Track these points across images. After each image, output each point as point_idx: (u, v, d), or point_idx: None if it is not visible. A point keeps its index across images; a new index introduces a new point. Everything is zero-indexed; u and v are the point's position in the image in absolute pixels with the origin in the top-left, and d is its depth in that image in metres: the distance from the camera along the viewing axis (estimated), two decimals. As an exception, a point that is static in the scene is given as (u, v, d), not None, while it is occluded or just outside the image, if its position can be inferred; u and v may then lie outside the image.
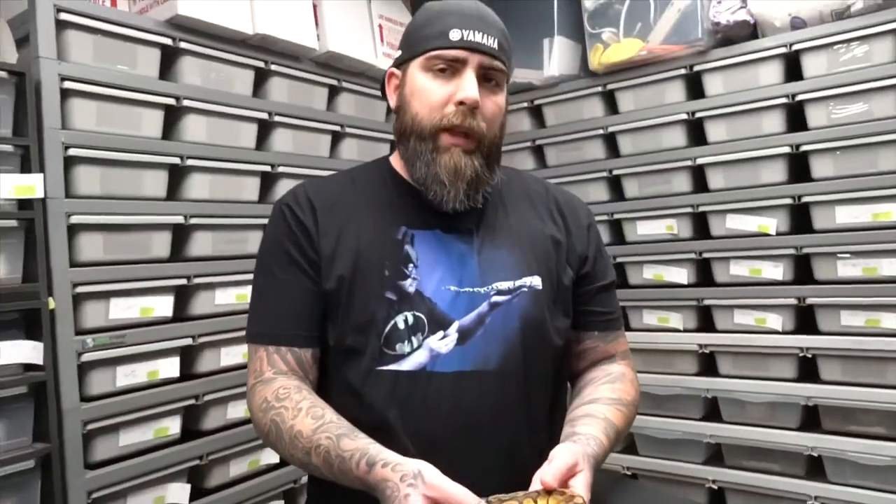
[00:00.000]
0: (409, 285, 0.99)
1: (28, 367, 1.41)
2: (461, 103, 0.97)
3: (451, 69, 0.98)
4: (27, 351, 1.39)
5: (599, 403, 1.03)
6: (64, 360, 1.46)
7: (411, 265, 1.00)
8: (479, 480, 0.89)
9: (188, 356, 1.74)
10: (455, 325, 0.98)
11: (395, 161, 1.09)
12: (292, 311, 1.00)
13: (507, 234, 1.06)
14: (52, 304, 1.43)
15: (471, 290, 1.00)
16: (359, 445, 0.87)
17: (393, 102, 1.06)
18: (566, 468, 0.85)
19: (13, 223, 1.40)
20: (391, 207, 1.04)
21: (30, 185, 1.38)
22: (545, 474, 0.84)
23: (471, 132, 0.98)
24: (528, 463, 0.99)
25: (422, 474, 0.82)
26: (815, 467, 1.97)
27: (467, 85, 0.96)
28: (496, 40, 0.99)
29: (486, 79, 1.00)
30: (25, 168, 1.41)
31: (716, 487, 2.09)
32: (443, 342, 0.98)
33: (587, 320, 1.12)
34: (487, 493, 0.85)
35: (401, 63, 1.05)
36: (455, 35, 0.97)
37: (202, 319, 1.75)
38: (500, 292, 1.01)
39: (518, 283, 1.02)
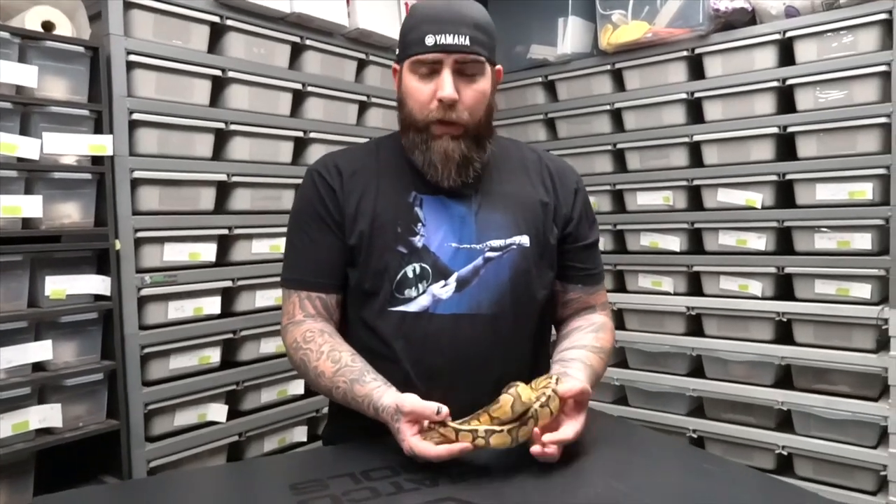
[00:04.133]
0: (418, 241, 1.12)
1: (98, 298, 1.66)
2: (441, 100, 1.09)
3: (432, 70, 1.10)
4: (97, 284, 1.63)
5: (585, 350, 1.17)
6: (127, 293, 1.69)
7: (420, 224, 1.13)
8: (470, 406, 1.02)
9: (228, 296, 1.95)
10: (454, 276, 1.12)
11: None
12: (321, 262, 1.15)
13: (501, 198, 1.18)
14: (117, 245, 1.67)
15: (468, 246, 1.14)
16: (367, 391, 1.04)
17: (397, 91, 1.19)
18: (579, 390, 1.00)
19: (87, 176, 1.64)
20: (405, 175, 1.17)
21: (101, 145, 1.61)
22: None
23: (455, 122, 1.11)
24: None
25: (398, 408, 0.98)
26: (784, 421, 2.13)
27: (444, 84, 1.09)
28: (467, 36, 1.09)
29: (463, 72, 1.11)
30: (98, 130, 1.64)
31: (695, 436, 2.27)
32: (444, 289, 1.12)
33: (571, 274, 1.24)
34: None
35: (398, 60, 1.18)
36: (430, 41, 1.08)
37: (240, 265, 1.96)
38: (493, 249, 1.14)
39: (509, 241, 1.15)
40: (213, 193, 1.91)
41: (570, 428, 0.99)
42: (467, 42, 1.10)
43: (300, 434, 2.14)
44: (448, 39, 1.09)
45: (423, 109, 1.12)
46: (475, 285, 1.13)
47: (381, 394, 1.03)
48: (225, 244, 1.95)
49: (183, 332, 1.82)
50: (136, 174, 1.72)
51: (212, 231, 1.88)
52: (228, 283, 1.92)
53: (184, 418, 1.83)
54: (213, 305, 1.89)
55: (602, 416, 1.19)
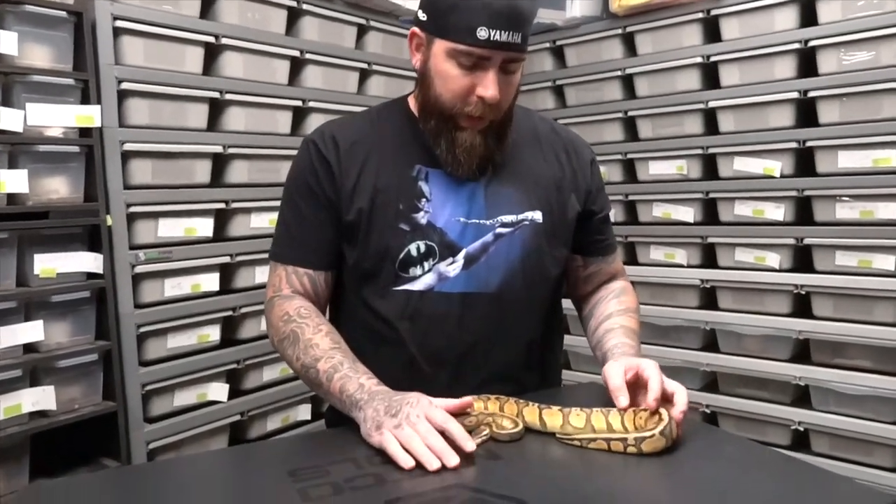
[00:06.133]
0: (422, 217, 1.06)
1: (90, 276, 1.61)
2: (481, 98, 1.01)
3: (475, 63, 1.01)
4: (89, 261, 1.58)
5: (613, 317, 1.15)
6: (120, 270, 1.64)
7: (424, 200, 1.07)
8: (478, 390, 1.00)
9: (226, 273, 1.91)
10: (463, 252, 1.07)
11: (413, 103, 1.14)
12: (311, 239, 1.10)
13: (512, 172, 1.12)
14: (109, 221, 1.61)
15: (478, 221, 1.08)
16: (351, 393, 0.97)
17: (415, 62, 1.11)
18: (659, 387, 0.93)
19: (75, 149, 1.57)
20: (408, 147, 1.10)
21: (89, 115, 1.54)
22: (651, 398, 0.91)
23: (486, 117, 1.05)
24: (524, 378, 1.13)
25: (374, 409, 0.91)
26: (801, 396, 2.09)
27: (489, 84, 1.00)
28: (521, 35, 1.00)
29: (506, 70, 1.03)
30: (84, 100, 1.57)
31: (708, 412, 2.23)
32: (451, 267, 1.06)
33: (592, 247, 1.21)
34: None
35: (424, 28, 1.06)
36: (482, 34, 0.98)
37: (239, 240, 1.91)
38: (504, 224, 1.09)
39: (521, 216, 1.10)
40: (209, 166, 1.84)
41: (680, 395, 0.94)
42: (520, 41, 1.01)
43: (304, 412, 2.12)
44: (503, 37, 0.99)
45: (455, 100, 1.04)
46: (484, 263, 1.08)
47: (359, 399, 0.97)
48: (222, 219, 1.90)
49: (180, 309, 1.78)
50: (127, 147, 1.65)
51: (208, 205, 1.83)
52: (226, 259, 1.87)
53: (183, 398, 1.79)
54: (211, 282, 1.84)
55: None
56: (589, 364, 2.43)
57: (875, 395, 1.91)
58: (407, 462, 0.83)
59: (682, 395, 0.93)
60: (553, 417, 0.93)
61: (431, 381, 1.05)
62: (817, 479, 0.85)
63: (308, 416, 2.13)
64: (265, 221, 1.94)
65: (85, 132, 1.57)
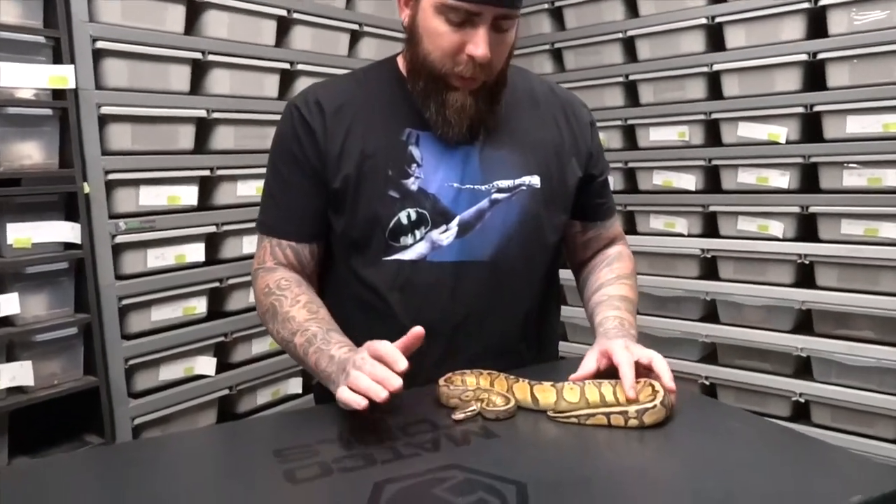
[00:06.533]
0: (412, 183, 1.03)
1: (68, 246, 1.54)
2: (471, 56, 0.97)
3: (465, 20, 0.96)
4: (66, 231, 1.51)
5: (605, 287, 1.13)
6: (99, 240, 1.58)
7: (415, 165, 1.03)
8: (473, 363, 0.97)
9: (212, 243, 1.85)
10: (456, 220, 1.03)
11: (402, 63, 1.10)
12: (294, 209, 1.07)
13: (508, 136, 1.08)
14: (86, 188, 1.54)
15: (472, 186, 1.04)
16: (324, 368, 0.96)
17: (404, 18, 1.06)
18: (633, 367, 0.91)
19: (48, 112, 1.50)
20: (397, 109, 1.06)
21: (62, 76, 1.46)
22: (628, 389, 0.88)
23: (478, 78, 1.01)
24: (521, 351, 1.10)
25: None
26: (803, 367, 2.06)
27: (480, 41, 0.96)
28: None
29: (498, 28, 0.99)
30: (57, 60, 1.49)
31: (708, 383, 2.20)
32: (444, 235, 1.03)
33: (591, 212, 1.18)
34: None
35: None
36: None
37: (225, 209, 1.85)
38: (500, 190, 1.05)
39: (518, 181, 1.06)
40: (192, 131, 1.78)
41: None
42: None
43: (295, 386, 2.09)
44: None
45: (444, 59, 0.99)
46: (479, 230, 1.04)
47: (330, 362, 0.95)
48: (207, 187, 1.84)
49: (164, 281, 1.73)
50: (105, 110, 1.58)
51: (192, 172, 1.76)
52: (212, 229, 1.82)
53: (169, 373, 1.75)
54: (196, 252, 1.79)
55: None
56: (587, 335, 2.33)
57: (878, 367, 1.88)
58: (358, 402, 0.82)
59: (661, 364, 0.91)
60: (546, 394, 0.90)
61: (424, 355, 0.99)
62: (826, 455, 0.82)
63: (299, 390, 2.09)
64: (252, 189, 1.88)
65: (59, 94, 1.49)
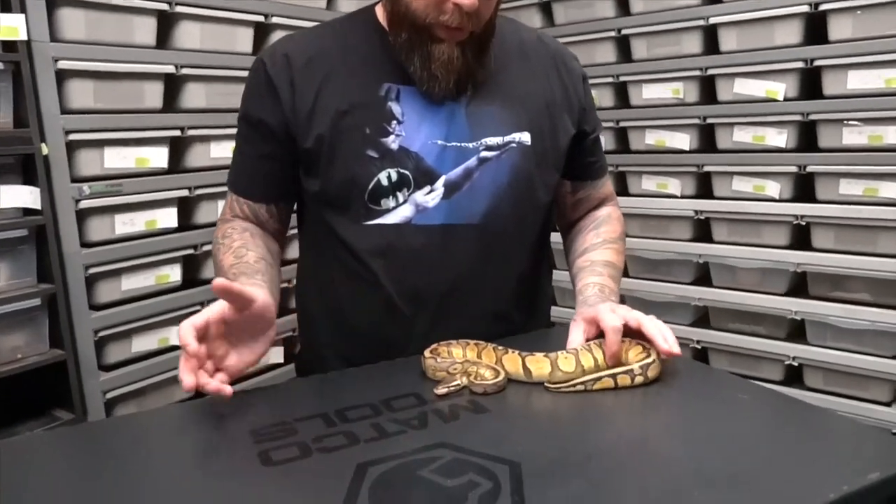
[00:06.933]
0: (392, 142, 0.98)
1: (28, 212, 1.45)
2: (457, 4, 0.91)
3: None
4: (24, 196, 1.42)
5: (588, 252, 1.10)
6: (62, 205, 1.49)
7: (395, 122, 0.98)
8: (464, 330, 0.94)
9: (185, 207, 1.77)
10: (442, 180, 0.99)
11: (381, 13, 1.04)
12: (250, 169, 1.05)
13: (497, 90, 1.03)
14: (45, 150, 1.44)
15: (458, 144, 0.99)
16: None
17: None
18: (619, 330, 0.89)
19: (-1, 66, 1.39)
20: (375, 62, 1.01)
21: (12, 27, 1.35)
22: (609, 357, 0.87)
23: (464, 28, 0.95)
24: (513, 317, 1.07)
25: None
26: (796, 331, 2.04)
27: None
28: None
29: None
30: (6, 9, 1.38)
31: (699, 347, 2.18)
32: (429, 196, 0.99)
33: (582, 171, 1.15)
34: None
35: None
36: None
37: (198, 172, 1.77)
38: (488, 148, 1.00)
39: (507, 138, 1.02)
40: (160, 88, 1.68)
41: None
42: None
43: (276, 355, 2.03)
44: None
45: (429, 8, 0.93)
46: (467, 191, 1.00)
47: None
48: (178, 148, 1.75)
49: (134, 248, 1.65)
50: (62, 64, 1.47)
51: (161, 133, 1.68)
52: (185, 193, 1.74)
53: (142, 344, 1.69)
54: (168, 218, 1.71)
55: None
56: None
57: (874, 329, 1.86)
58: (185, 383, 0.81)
59: (652, 327, 0.88)
60: (539, 365, 0.85)
61: (411, 324, 1.00)
62: (841, 429, 0.78)
63: (280, 360, 2.04)
64: (227, 151, 1.79)
65: (9, 47, 1.38)
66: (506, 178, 1.01)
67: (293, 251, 2.02)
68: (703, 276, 2.20)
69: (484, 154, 1.00)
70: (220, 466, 0.71)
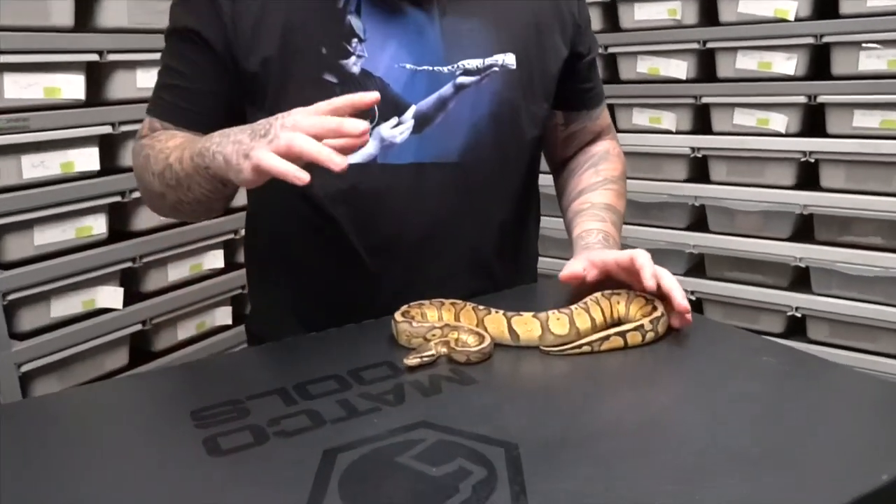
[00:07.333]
0: (353, 64, 0.94)
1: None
2: None
3: None
4: None
5: (585, 193, 1.09)
6: (-45, 144, 1.41)
7: (355, 40, 0.95)
8: (440, 286, 0.93)
9: (109, 146, 1.71)
10: (411, 111, 0.96)
11: None
12: (180, 93, 0.99)
13: (475, 3, 1.00)
14: (-70, 77, 1.33)
15: (431, 68, 0.96)
16: (201, 146, 0.85)
17: None
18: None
19: None
20: None
21: None
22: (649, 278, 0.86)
23: None
24: (494, 270, 1.06)
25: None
26: (800, 279, 2.08)
27: None
28: None
29: None
30: None
31: (694, 298, 2.21)
32: (396, 130, 0.96)
33: (576, 99, 1.13)
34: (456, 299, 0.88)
35: None
36: None
37: (123, 104, 1.70)
38: (466, 72, 0.97)
39: (488, 61, 0.98)
40: (70, 4, 1.58)
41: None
42: None
43: (223, 316, 2.02)
44: None
45: None
46: (442, 123, 0.98)
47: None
48: (96, 75, 1.67)
49: (48, 196, 1.57)
50: (-57, -29, 1.36)
51: (74, 57, 1.59)
52: (107, 129, 1.66)
53: (65, 307, 1.63)
54: (88, 159, 1.63)
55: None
56: (563, 248, 2.32)
57: (885, 276, 1.89)
58: (298, 175, 0.71)
59: (671, 281, 0.87)
60: (528, 327, 0.83)
61: (381, 279, 0.99)
62: (888, 397, 0.75)
63: (228, 321, 2.03)
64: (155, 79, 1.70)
65: None
66: (486, 109, 0.99)
67: (240, 198, 2.04)
68: (698, 220, 2.22)
69: (461, 80, 0.97)
70: (157, 459, 0.66)
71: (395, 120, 0.96)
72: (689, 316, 0.85)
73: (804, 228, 2.06)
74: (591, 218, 1.05)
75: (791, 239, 2.04)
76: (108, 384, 0.88)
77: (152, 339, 1.85)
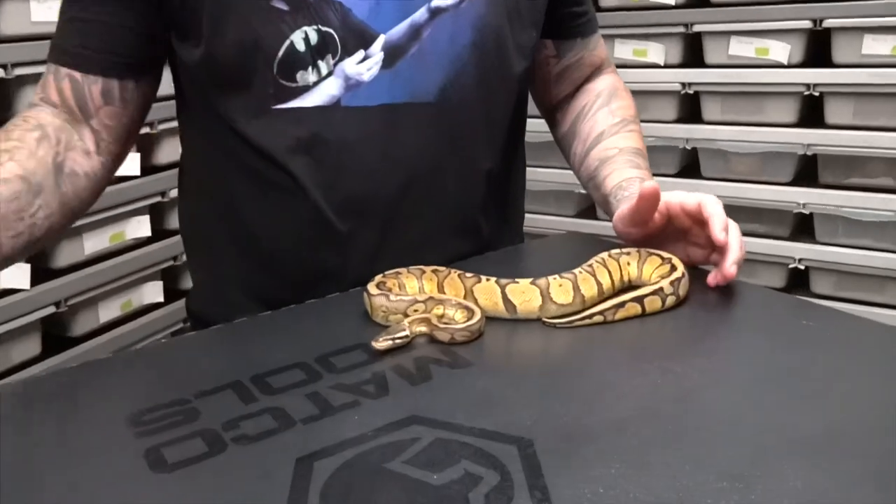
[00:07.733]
0: None
1: None
2: None
3: None
4: None
5: (607, 137, 1.09)
6: None
7: None
8: (420, 249, 0.93)
9: (3, 91, 1.63)
10: (380, 41, 0.94)
11: None
12: (87, 25, 0.95)
13: None
14: None
15: None
16: None
17: None
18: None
19: None
20: None
21: None
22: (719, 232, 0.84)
23: None
24: (480, 226, 1.05)
25: None
26: (802, 227, 2.12)
27: None
28: None
29: None
30: None
31: (685, 252, 2.22)
32: (363, 65, 0.94)
33: (568, 24, 1.12)
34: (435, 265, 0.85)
35: None
36: None
37: (14, 42, 1.61)
38: None
39: None
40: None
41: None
42: None
43: (153, 293, 1.98)
44: None
45: None
46: (415, 56, 0.96)
47: None
48: None
49: None
50: None
51: None
52: None
53: None
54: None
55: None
56: (548, 203, 2.36)
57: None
58: None
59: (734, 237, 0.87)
60: (525, 296, 0.79)
61: (348, 245, 0.97)
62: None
63: (160, 298, 2.00)
64: (54, 13, 1.60)
65: None
66: (468, 38, 0.97)
67: (170, 152, 1.97)
68: (690, 164, 2.26)
69: (436, 4, 0.95)
70: (84, 478, 0.60)
71: (360, 54, 0.93)
72: (732, 270, 0.83)
73: (807, 171, 2.10)
74: (626, 164, 1.04)
75: (793, 183, 2.07)
76: (16, 384, 0.82)
77: (68, 324, 1.81)
